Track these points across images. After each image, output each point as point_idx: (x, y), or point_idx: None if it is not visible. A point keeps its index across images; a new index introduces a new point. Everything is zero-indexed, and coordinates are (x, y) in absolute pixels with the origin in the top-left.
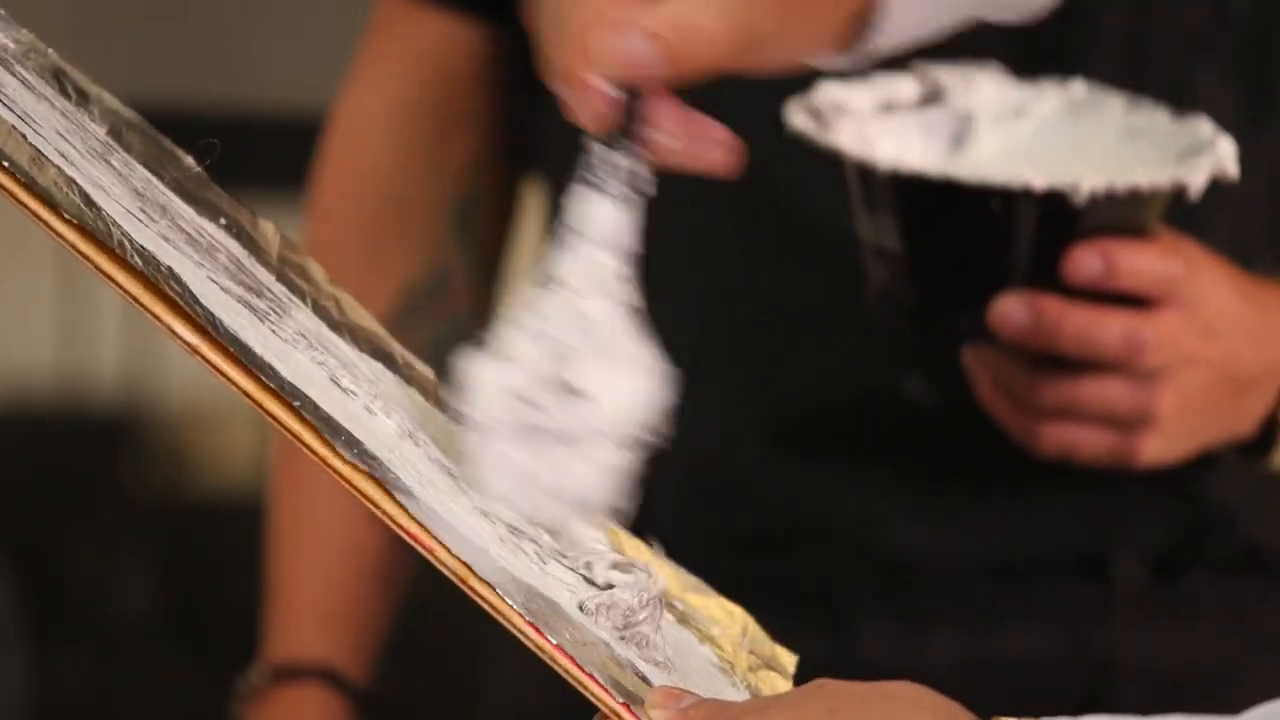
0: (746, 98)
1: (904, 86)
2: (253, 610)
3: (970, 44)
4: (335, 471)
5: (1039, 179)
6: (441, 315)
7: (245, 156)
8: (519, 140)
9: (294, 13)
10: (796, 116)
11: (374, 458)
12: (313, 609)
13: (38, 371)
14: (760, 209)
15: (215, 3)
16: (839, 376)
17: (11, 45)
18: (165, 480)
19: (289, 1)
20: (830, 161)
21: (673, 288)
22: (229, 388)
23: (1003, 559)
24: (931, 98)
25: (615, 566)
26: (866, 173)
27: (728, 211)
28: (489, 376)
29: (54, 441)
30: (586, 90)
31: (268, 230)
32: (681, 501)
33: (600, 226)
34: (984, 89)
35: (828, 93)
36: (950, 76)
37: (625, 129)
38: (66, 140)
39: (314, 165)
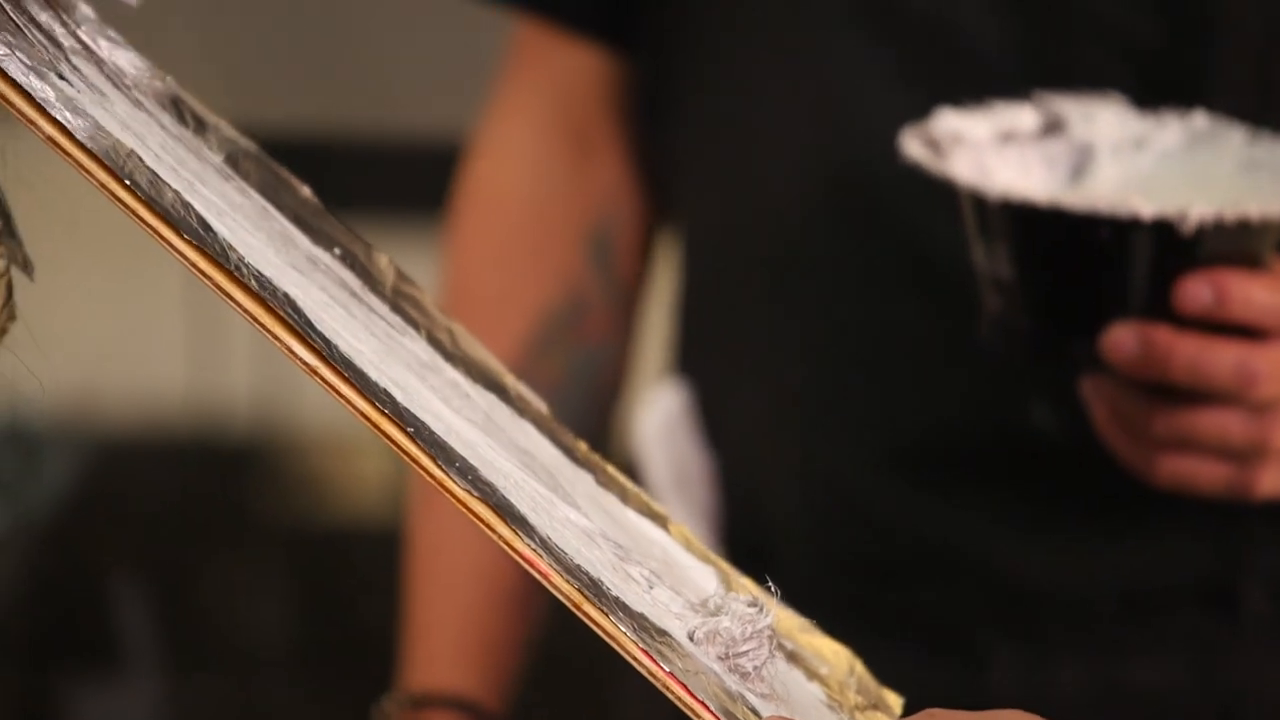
0: (864, 126)
1: (1024, 117)
2: (387, 637)
3: (1091, 74)
4: (451, 494)
5: (1147, 208)
6: (577, 343)
7: (384, 182)
8: (656, 169)
9: (430, 39)
10: (912, 146)
11: (488, 484)
12: (449, 638)
13: (169, 398)
14: (878, 239)
15: (352, 31)
16: (962, 405)
17: (132, 72)
18: (299, 507)
19: (424, 28)
20: (946, 191)
21: (794, 319)
22: (347, 409)
23: (1129, 589)
24: (1052, 128)
25: (723, 598)
26: (980, 201)
27: (846, 242)
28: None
29: (187, 468)
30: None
31: (382, 261)
32: (807, 532)
33: None
34: (1104, 120)
35: (946, 122)
36: (1071, 107)
37: None
38: (184, 166)
39: (454, 193)
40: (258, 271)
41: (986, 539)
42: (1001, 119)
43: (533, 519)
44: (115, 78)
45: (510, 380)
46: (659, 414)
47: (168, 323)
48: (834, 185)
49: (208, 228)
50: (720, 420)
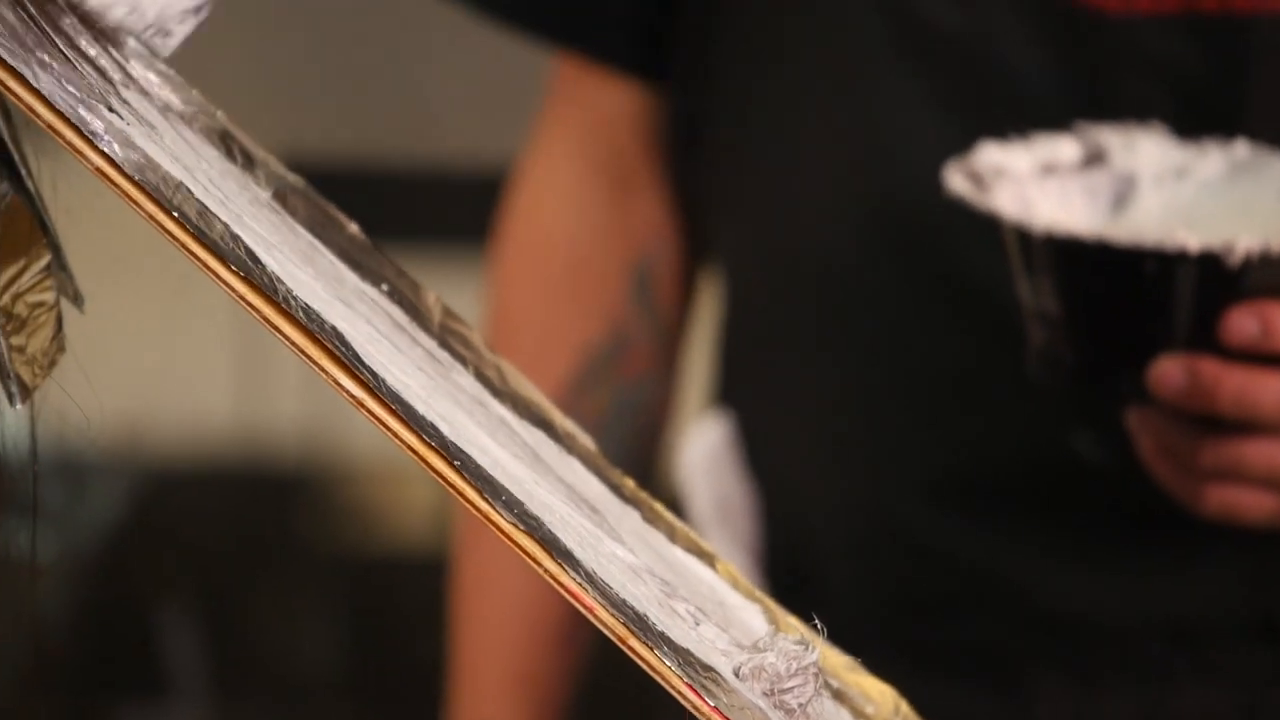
0: (905, 159)
1: (1065, 148)
2: (435, 667)
3: (1132, 105)
4: (497, 528)
5: (1194, 240)
6: (621, 379)
7: (425, 212)
8: (695, 206)
9: (473, 69)
10: (955, 179)
11: (534, 518)
12: (495, 673)
13: (217, 427)
14: (920, 271)
15: (395, 62)
16: (1006, 436)
17: (180, 105)
18: (346, 536)
19: (467, 59)
20: (989, 224)
21: (836, 351)
22: (394, 442)
23: (1174, 620)
24: (1093, 159)
25: (770, 635)
26: (1024, 235)
27: (888, 274)
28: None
29: (235, 497)
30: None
31: (430, 299)
32: (851, 565)
33: None
34: (1146, 150)
35: (988, 155)
36: (1112, 138)
37: None
38: (232, 200)
39: (495, 227)
40: (305, 304)
41: (1032, 570)
42: (1043, 151)
43: (579, 553)
44: (164, 111)
45: (558, 417)
46: (702, 447)
47: (215, 352)
48: (875, 218)
49: (256, 260)
50: (763, 453)
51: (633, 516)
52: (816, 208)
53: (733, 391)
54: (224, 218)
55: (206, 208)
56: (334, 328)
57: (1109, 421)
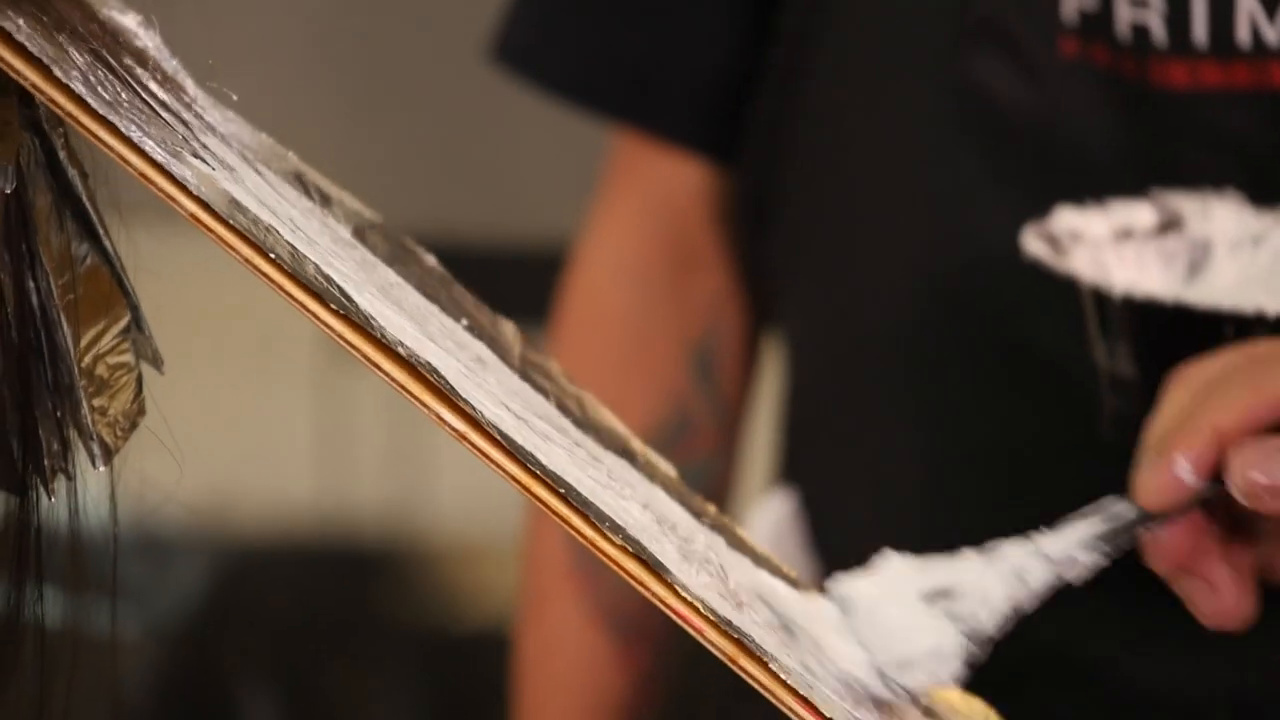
0: (972, 230)
1: (1141, 214)
2: None
3: (1201, 179)
4: (604, 554)
5: (1272, 305)
6: (684, 457)
7: (487, 289)
8: (758, 281)
9: (533, 145)
10: (1033, 244)
11: (636, 542)
12: None
13: (299, 503)
14: (988, 342)
15: (457, 138)
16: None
17: (254, 148)
18: (428, 614)
19: (528, 135)
20: (1059, 293)
21: (903, 425)
22: (498, 473)
23: (1241, 695)
24: (1169, 225)
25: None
26: (1101, 299)
27: (955, 346)
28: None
29: (317, 573)
30: (1166, 470)
31: (508, 330)
32: None
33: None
34: (1221, 216)
35: (1065, 219)
36: (1188, 204)
37: (1173, 511)
38: (316, 240)
39: (556, 307)
40: (399, 340)
41: (1101, 646)
42: (1119, 215)
43: (679, 576)
44: (241, 154)
45: (639, 445)
46: (765, 522)
47: (297, 428)
48: (942, 291)
49: (349, 298)
50: (827, 528)
51: (717, 542)
52: (884, 282)
53: (796, 466)
54: (313, 258)
55: (296, 249)
56: (429, 363)
57: None
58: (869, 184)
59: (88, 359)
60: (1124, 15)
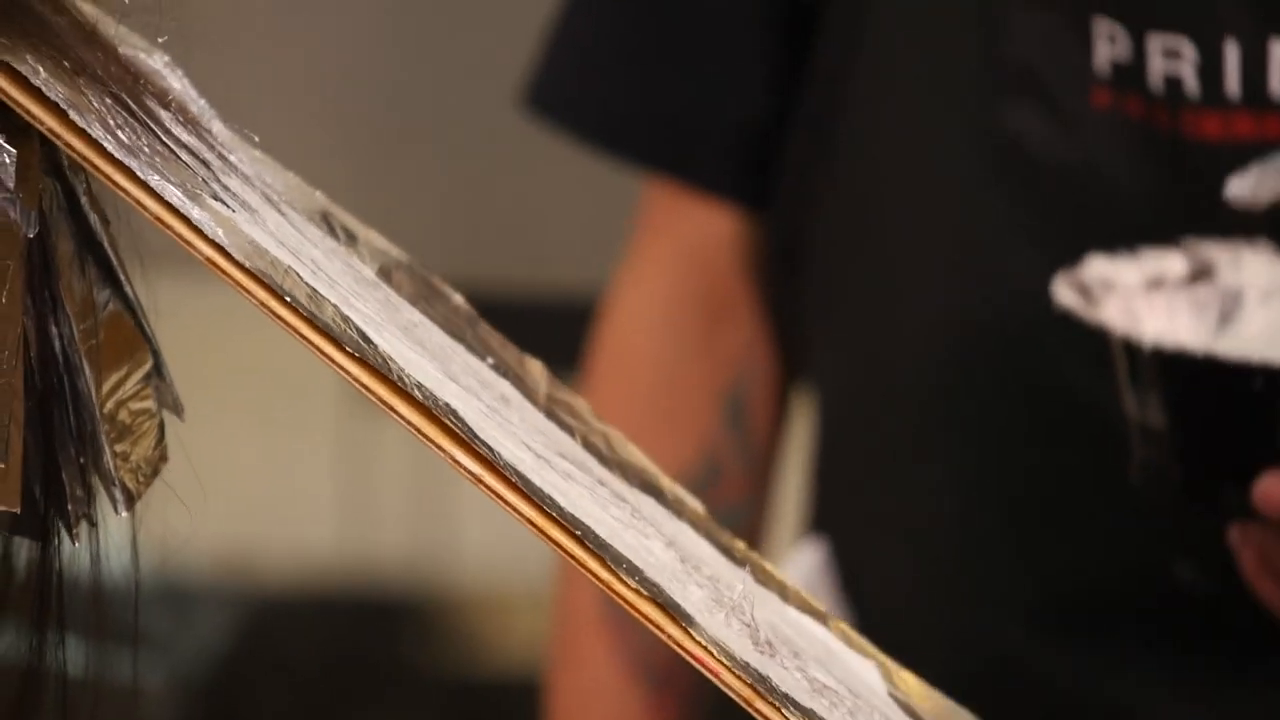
0: (1004, 278)
1: (1173, 263)
2: None
3: (1233, 229)
4: (619, 596)
5: None
6: (714, 505)
7: (518, 339)
8: (789, 329)
9: (564, 195)
10: (1064, 293)
11: (654, 584)
12: None
13: (321, 551)
14: (1020, 393)
15: (489, 185)
16: (1109, 560)
17: (280, 187)
18: (452, 663)
19: (558, 184)
20: (1089, 342)
21: (935, 474)
22: (512, 516)
23: None
24: (1200, 274)
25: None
26: (1131, 348)
27: (988, 397)
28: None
29: (340, 623)
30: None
31: (534, 369)
32: (948, 689)
33: None
34: (1253, 266)
35: (1096, 268)
36: (1219, 253)
37: None
38: (338, 280)
39: (587, 356)
40: (418, 382)
41: (1131, 696)
42: (1150, 264)
43: (700, 619)
44: (264, 194)
45: (666, 482)
46: (797, 572)
47: (320, 476)
48: (973, 341)
49: (368, 340)
50: (859, 577)
51: (745, 578)
52: (915, 331)
53: (828, 516)
54: (333, 299)
55: (316, 290)
56: (448, 404)
57: (1211, 549)
58: (901, 232)
59: (110, 404)
60: (1157, 67)
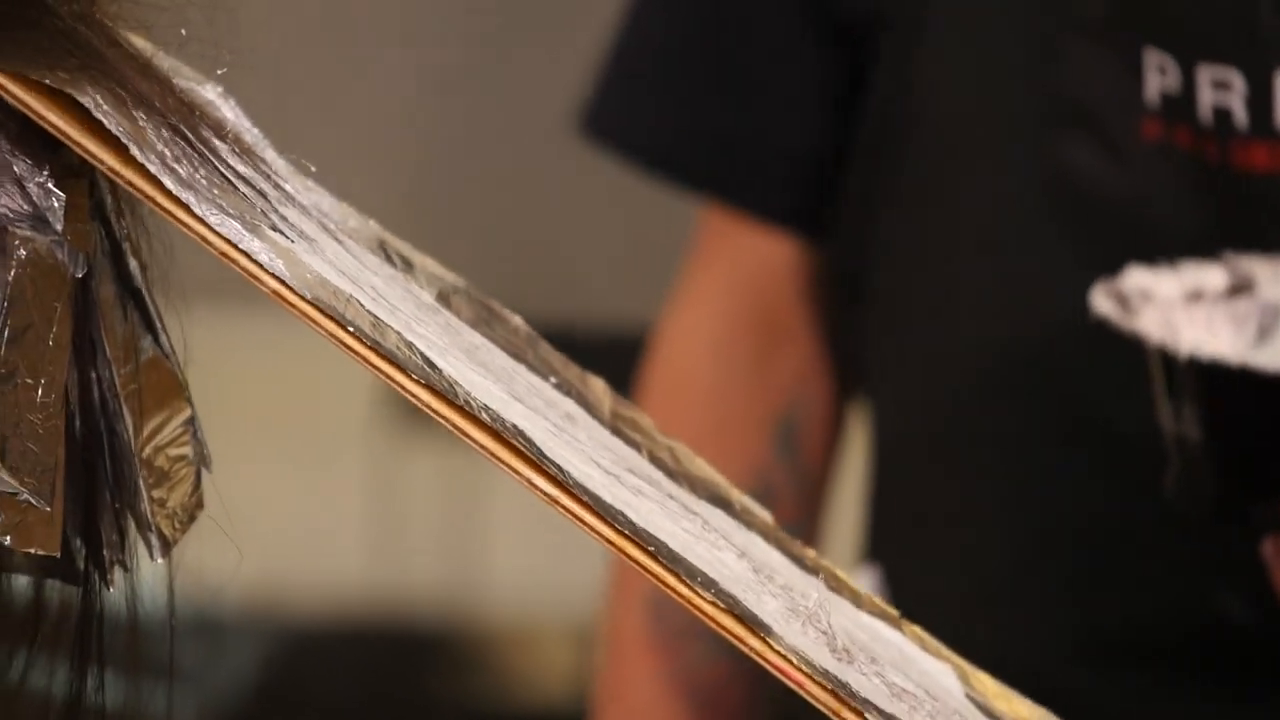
0: (1061, 304)
1: (1213, 276)
2: None
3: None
4: (699, 610)
5: None
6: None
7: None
8: (843, 353)
9: (617, 225)
10: (1102, 302)
11: (730, 596)
12: None
13: (352, 586)
14: (1072, 415)
15: (540, 217)
16: (1149, 591)
17: (335, 215)
18: (482, 696)
19: (612, 214)
20: (1132, 348)
21: (982, 507)
22: (590, 535)
23: None
24: (1240, 288)
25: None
26: (1168, 359)
27: (1039, 418)
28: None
29: (371, 657)
30: None
31: (597, 386)
32: None
33: None
34: None
35: (1136, 279)
36: (1260, 267)
37: None
38: (398, 307)
39: (640, 380)
40: (485, 405)
41: None
42: (1190, 277)
43: (777, 628)
44: (321, 223)
45: (735, 494)
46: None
47: (350, 511)
48: (1021, 366)
49: (433, 365)
50: (911, 606)
51: (817, 586)
52: (965, 361)
53: (881, 543)
54: (396, 326)
55: (379, 318)
56: (515, 425)
57: (1251, 577)
58: (955, 261)
59: (148, 450)
60: (1206, 98)
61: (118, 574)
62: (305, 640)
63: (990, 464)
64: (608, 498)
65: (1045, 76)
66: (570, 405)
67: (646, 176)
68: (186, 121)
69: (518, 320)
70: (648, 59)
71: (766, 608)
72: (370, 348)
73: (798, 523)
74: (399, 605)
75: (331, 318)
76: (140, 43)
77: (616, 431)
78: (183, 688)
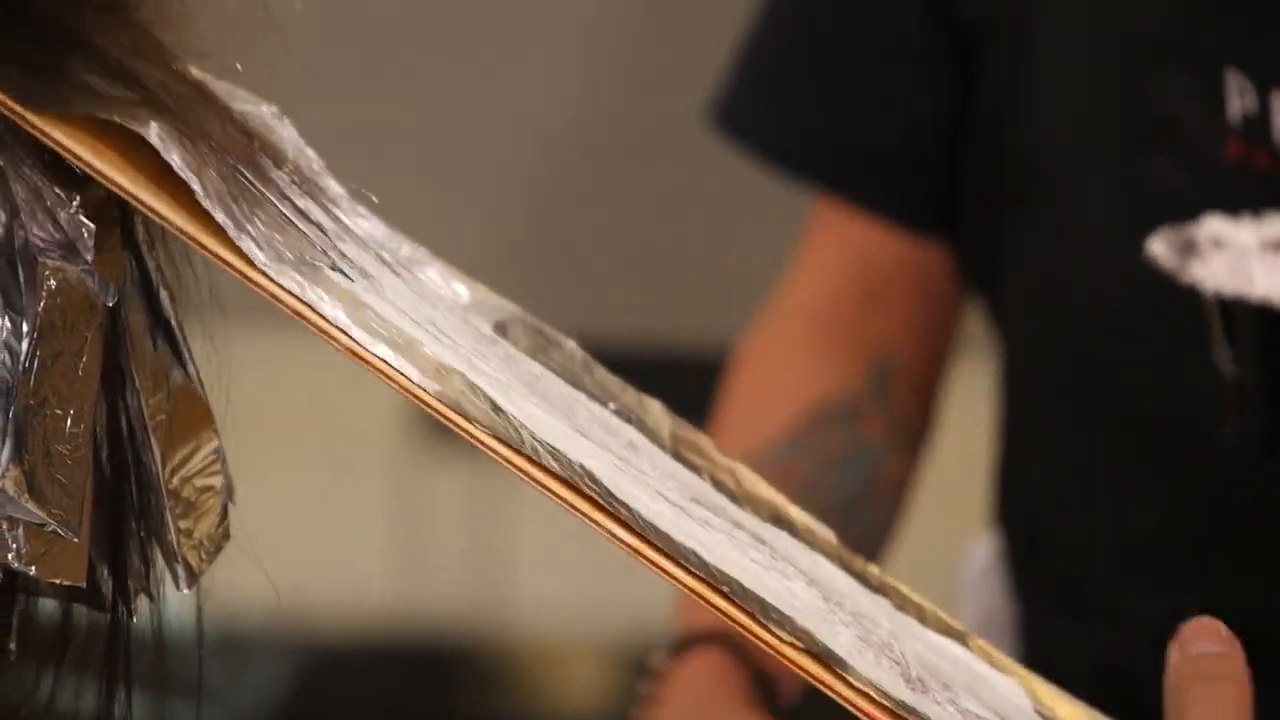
0: (1106, 232)
1: None
2: None
3: None
4: (774, 648)
5: None
6: (857, 431)
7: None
8: (947, 321)
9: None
10: (1158, 247)
11: (805, 631)
12: None
13: (377, 603)
14: (1117, 342)
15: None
16: (1196, 503)
17: (391, 245)
18: (508, 714)
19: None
20: (1188, 292)
21: (1029, 419)
22: (662, 576)
23: None
24: None
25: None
26: (1228, 306)
27: (1082, 343)
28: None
29: (397, 674)
30: None
31: (655, 409)
32: (1040, 628)
33: None
34: None
35: (1211, 226)
36: None
37: None
38: (459, 341)
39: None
40: (553, 448)
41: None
42: (1271, 229)
43: (852, 661)
44: (379, 255)
45: (795, 513)
46: (974, 563)
47: (375, 528)
48: (1113, 373)
49: (498, 408)
50: (1033, 571)
51: (883, 605)
52: (1084, 315)
53: (1006, 508)
54: (459, 365)
55: (442, 362)
56: (583, 466)
57: None
58: (1055, 265)
59: (175, 480)
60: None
61: (143, 602)
62: (331, 658)
63: (1040, 381)
64: (677, 535)
65: (1133, 95)
66: (632, 433)
67: (768, 169)
68: (244, 154)
69: (571, 345)
70: (775, 56)
71: (840, 639)
72: (434, 396)
73: (882, 441)
74: (425, 623)
75: (397, 370)
76: (195, 72)
77: (678, 456)
78: (208, 706)
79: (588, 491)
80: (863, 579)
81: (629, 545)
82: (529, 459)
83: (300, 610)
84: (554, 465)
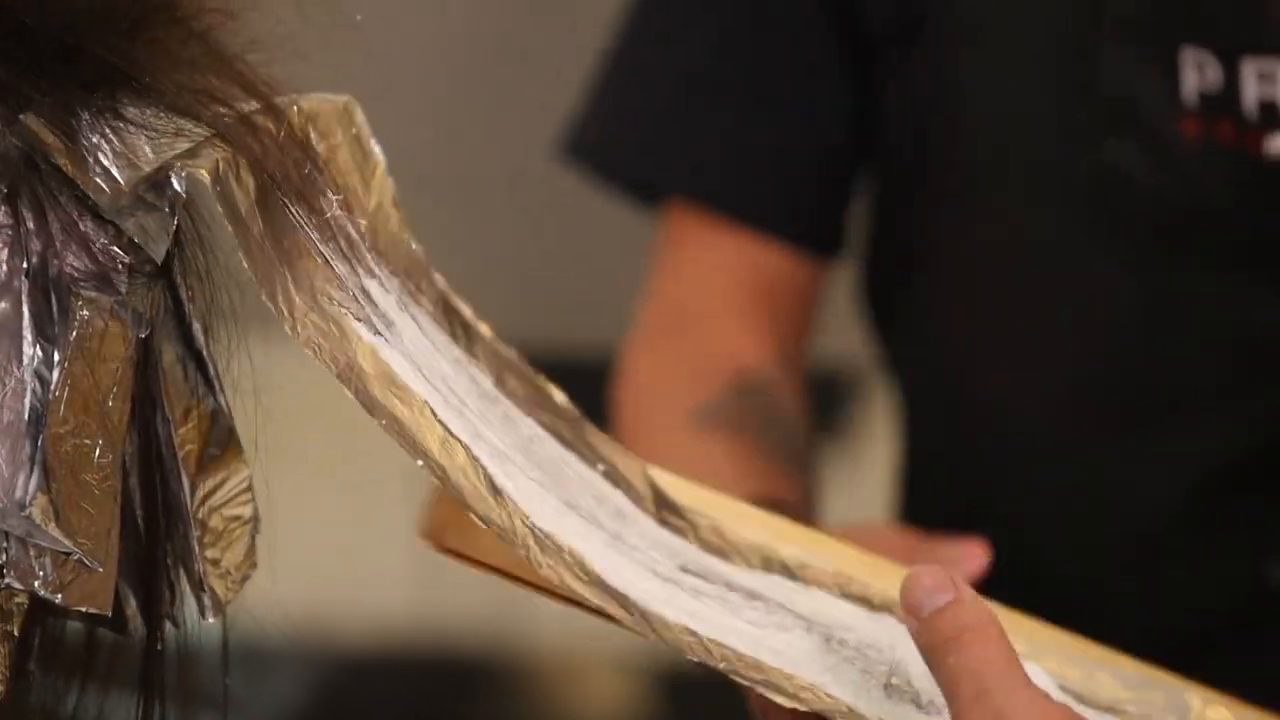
0: (1108, 304)
1: None
2: None
3: None
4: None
5: None
6: (777, 401)
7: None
8: (808, 336)
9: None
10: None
11: (809, 686)
12: None
13: (398, 614)
14: (1135, 411)
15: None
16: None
17: (408, 281)
18: None
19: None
20: (1190, 358)
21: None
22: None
23: None
24: None
25: None
26: None
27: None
28: None
29: (418, 686)
30: None
31: (635, 467)
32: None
33: None
34: None
35: None
36: None
37: None
38: (468, 404)
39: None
40: (544, 531)
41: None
42: None
43: (861, 705)
44: (400, 297)
45: (786, 550)
46: None
47: (395, 539)
48: (1068, 364)
49: (496, 490)
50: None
51: (889, 630)
52: (1010, 361)
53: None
54: (464, 435)
55: (449, 432)
56: (573, 553)
57: None
58: (994, 264)
59: (204, 510)
60: (1250, 92)
61: (169, 628)
62: (352, 669)
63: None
64: (670, 614)
65: (1083, 79)
66: (620, 499)
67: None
68: (297, 188)
69: (561, 398)
70: (655, 82)
71: (846, 678)
72: (439, 477)
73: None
74: (447, 635)
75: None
76: (260, 77)
77: (664, 523)
78: (231, 716)
79: (582, 578)
80: (865, 603)
81: (624, 623)
82: (529, 570)
83: (322, 622)
84: (545, 563)
